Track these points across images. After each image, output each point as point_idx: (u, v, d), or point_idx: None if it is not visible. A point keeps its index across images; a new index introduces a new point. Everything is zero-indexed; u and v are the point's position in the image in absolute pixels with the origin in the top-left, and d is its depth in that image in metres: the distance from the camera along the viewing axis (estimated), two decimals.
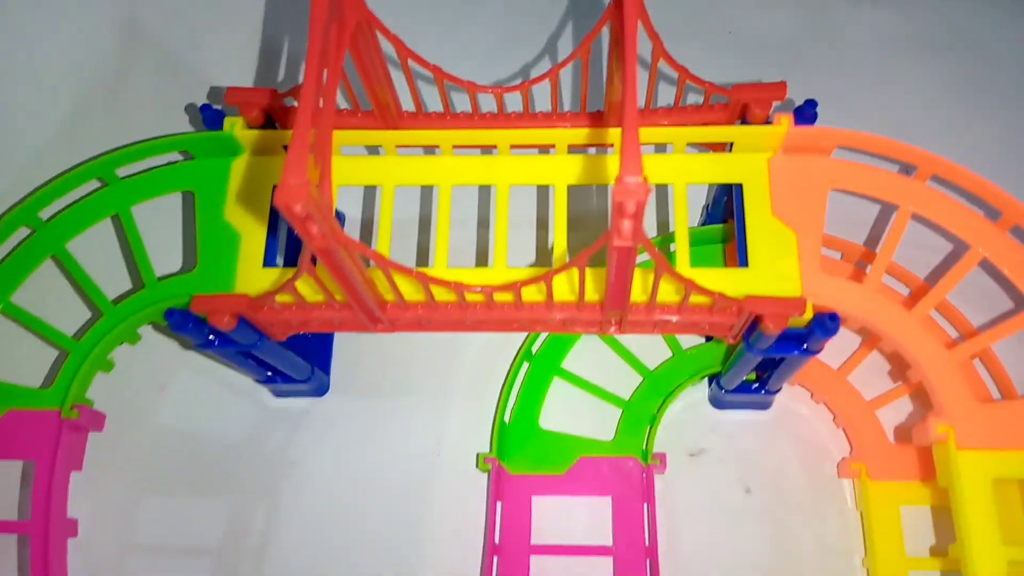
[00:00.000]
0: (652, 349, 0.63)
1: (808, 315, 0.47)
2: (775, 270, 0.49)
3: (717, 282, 0.48)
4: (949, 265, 0.52)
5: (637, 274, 0.47)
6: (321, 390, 0.66)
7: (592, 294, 0.48)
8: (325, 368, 0.66)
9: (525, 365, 0.64)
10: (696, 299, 0.47)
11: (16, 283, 0.53)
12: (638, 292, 0.48)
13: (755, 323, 0.47)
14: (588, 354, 0.64)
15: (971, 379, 0.48)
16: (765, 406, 0.63)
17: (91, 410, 0.51)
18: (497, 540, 0.58)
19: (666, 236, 0.62)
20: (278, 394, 0.65)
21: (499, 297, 0.47)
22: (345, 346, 0.67)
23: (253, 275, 0.51)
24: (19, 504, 0.58)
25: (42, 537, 0.48)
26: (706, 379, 0.64)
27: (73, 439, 0.50)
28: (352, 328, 0.51)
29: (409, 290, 0.49)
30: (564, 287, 0.48)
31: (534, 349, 0.64)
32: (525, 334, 0.64)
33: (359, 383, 0.66)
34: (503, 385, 0.63)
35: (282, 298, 0.48)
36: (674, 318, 0.48)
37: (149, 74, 0.71)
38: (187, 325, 0.49)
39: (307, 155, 0.36)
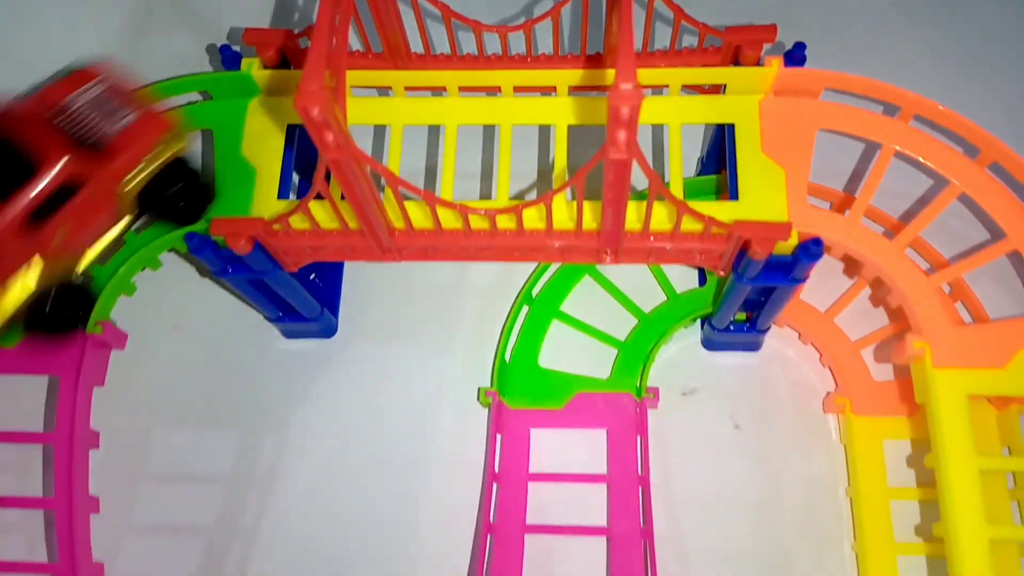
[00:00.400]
0: (647, 293, 0.66)
1: (793, 241, 0.49)
2: (763, 202, 0.51)
3: (708, 213, 0.51)
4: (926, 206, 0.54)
5: (632, 206, 0.50)
6: (329, 332, 0.68)
7: (590, 223, 0.50)
8: (333, 310, 0.69)
9: (525, 308, 0.67)
10: (688, 226, 0.49)
11: None
12: (632, 221, 0.50)
13: (743, 253, 0.50)
14: (586, 298, 0.67)
15: (946, 306, 0.50)
16: (755, 347, 0.65)
17: (114, 327, 0.54)
18: (497, 469, 0.61)
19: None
20: (288, 334, 0.68)
21: (501, 223, 0.50)
22: (352, 291, 0.70)
23: (268, 205, 0.54)
24: (44, 421, 0.61)
25: (67, 447, 0.51)
26: (699, 322, 0.67)
27: (96, 355, 0.52)
28: (362, 256, 0.54)
29: (417, 217, 0.51)
30: (563, 215, 0.51)
31: (534, 293, 0.67)
32: (525, 278, 0.67)
33: (366, 326, 0.69)
34: (503, 327, 0.65)
35: (296, 223, 0.51)
36: (667, 245, 0.50)
37: (172, 18, 0.75)
38: (205, 249, 0.52)
39: (324, 65, 0.39)
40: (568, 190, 0.47)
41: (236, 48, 0.57)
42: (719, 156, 0.63)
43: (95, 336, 0.52)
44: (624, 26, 0.38)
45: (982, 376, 0.48)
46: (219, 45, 0.57)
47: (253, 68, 0.56)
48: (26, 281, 0.48)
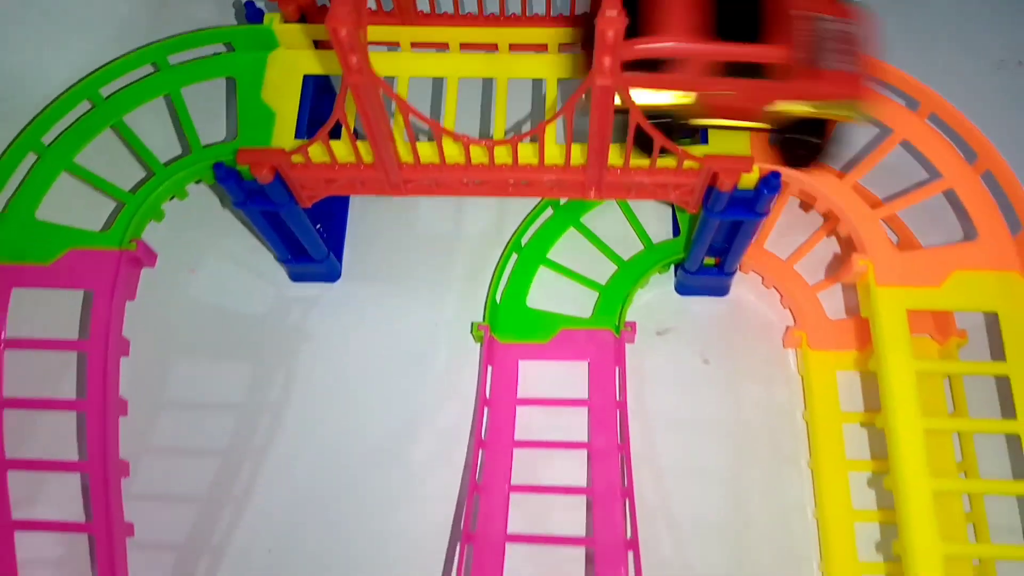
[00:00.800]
0: (626, 244, 0.72)
1: (755, 177, 0.56)
2: (730, 145, 0.58)
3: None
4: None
5: (614, 148, 0.56)
6: (333, 276, 0.74)
7: (578, 158, 0.57)
8: (338, 255, 0.74)
9: (514, 256, 0.73)
10: (663, 163, 0.56)
11: (79, 147, 0.62)
12: (615, 157, 0.57)
13: (712, 190, 0.57)
14: (570, 247, 0.73)
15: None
16: (723, 291, 0.72)
17: (146, 246, 0.59)
18: (488, 395, 0.67)
19: None
20: (294, 276, 0.74)
21: (499, 157, 0.56)
22: (355, 239, 0.75)
23: (286, 143, 0.60)
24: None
25: (101, 354, 0.56)
26: (672, 270, 0.73)
27: (129, 270, 0.57)
28: (372, 190, 0.60)
29: (423, 153, 0.58)
30: (554, 153, 0.57)
31: (523, 241, 0.73)
32: (514, 228, 0.73)
33: (367, 271, 0.74)
34: (494, 271, 0.71)
35: (315, 155, 0.57)
36: (645, 180, 0.57)
37: None
38: (230, 180, 0.57)
39: None
40: (559, 132, 0.54)
41: (260, 4, 0.63)
42: None
43: (128, 252, 0.57)
44: None
45: (919, 293, 0.54)
46: (244, 1, 0.64)
47: (274, 23, 0.62)
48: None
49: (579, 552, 0.63)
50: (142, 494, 0.64)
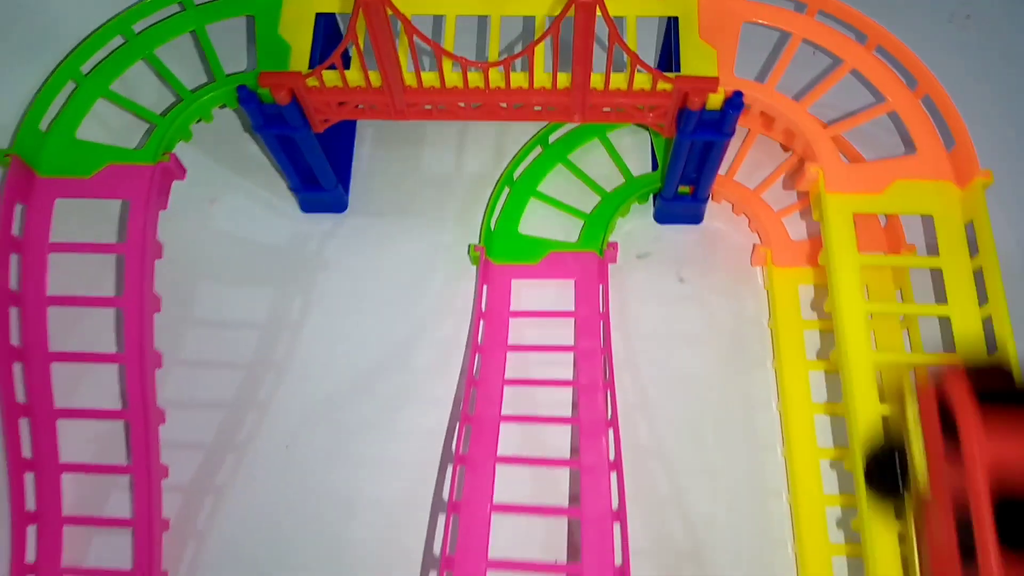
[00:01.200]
0: (609, 179, 0.79)
1: (721, 96, 0.63)
2: (699, 72, 0.65)
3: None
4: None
5: (595, 77, 0.63)
6: (341, 206, 0.81)
7: (564, 83, 0.64)
8: (345, 187, 0.81)
9: (507, 189, 0.80)
10: (640, 84, 0.63)
11: (114, 76, 0.68)
12: (597, 81, 0.64)
13: (683, 112, 0.64)
14: (558, 181, 0.80)
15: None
16: (698, 218, 0.79)
17: (177, 159, 0.66)
18: (484, 308, 0.73)
19: None
20: (305, 207, 0.80)
21: (493, 80, 0.63)
22: (361, 175, 0.82)
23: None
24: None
25: (138, 256, 0.62)
26: (652, 201, 0.80)
27: (163, 181, 0.64)
28: (380, 115, 0.67)
29: (427, 78, 0.64)
30: (543, 78, 0.64)
31: (515, 175, 0.80)
32: (503, 168, 0.80)
33: (373, 203, 0.81)
34: (488, 203, 0.78)
35: (328, 80, 0.64)
36: (624, 101, 0.64)
37: None
38: (252, 101, 0.64)
39: None
40: (548, 61, 0.60)
41: None
42: (668, 57, 0.77)
43: (162, 164, 0.64)
44: None
45: (864, 199, 0.61)
46: None
47: None
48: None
49: (564, 429, 0.70)
50: (173, 399, 0.70)
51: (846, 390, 0.58)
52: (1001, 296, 0.59)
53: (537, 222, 0.78)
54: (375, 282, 0.78)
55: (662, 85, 0.63)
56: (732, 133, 0.65)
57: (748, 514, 0.68)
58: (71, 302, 0.65)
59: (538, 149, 0.81)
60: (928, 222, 0.68)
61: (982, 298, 0.60)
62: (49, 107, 0.67)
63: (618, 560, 0.60)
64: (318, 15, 0.69)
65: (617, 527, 0.61)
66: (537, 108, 0.66)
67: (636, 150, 0.81)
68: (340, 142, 0.81)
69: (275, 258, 0.78)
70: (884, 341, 0.68)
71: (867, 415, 0.56)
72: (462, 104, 0.66)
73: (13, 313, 0.64)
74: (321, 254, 0.79)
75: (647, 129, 0.81)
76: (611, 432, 0.65)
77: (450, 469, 0.69)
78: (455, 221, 0.80)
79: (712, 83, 0.62)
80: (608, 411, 0.66)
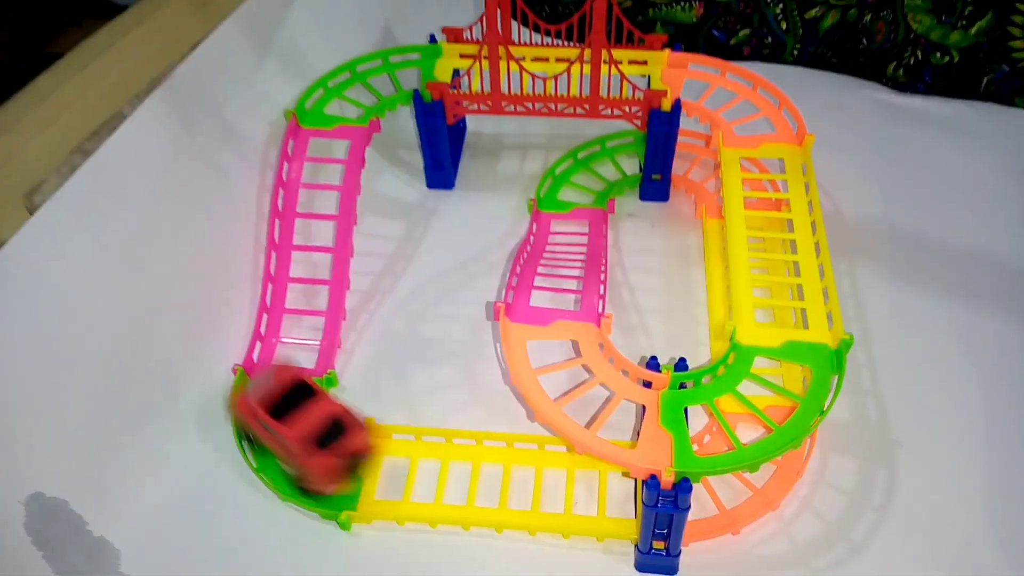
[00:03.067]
0: (612, 176, 1.33)
1: (670, 102, 1.18)
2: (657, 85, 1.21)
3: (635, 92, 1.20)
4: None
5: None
6: (450, 185, 1.35)
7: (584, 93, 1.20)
8: (454, 171, 1.36)
9: (550, 180, 1.33)
10: (626, 93, 1.19)
11: (344, 89, 1.26)
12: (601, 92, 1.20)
13: (652, 114, 1.19)
14: (580, 178, 1.34)
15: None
16: (666, 196, 1.31)
17: (377, 122, 1.21)
18: (534, 231, 1.24)
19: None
20: (429, 183, 1.35)
21: (548, 89, 1.20)
22: (463, 170, 1.37)
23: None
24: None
25: (349, 194, 1.16)
26: (638, 187, 1.33)
27: (369, 133, 1.19)
28: (487, 110, 1.23)
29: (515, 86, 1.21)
30: (575, 90, 1.20)
31: (557, 171, 1.34)
32: (547, 162, 1.34)
33: (469, 184, 1.35)
34: (539, 183, 1.32)
35: (460, 88, 1.21)
36: (619, 108, 1.19)
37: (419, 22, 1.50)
38: (419, 100, 1.21)
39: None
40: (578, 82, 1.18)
41: (437, 35, 1.30)
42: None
43: (372, 124, 1.19)
44: None
45: (746, 151, 1.14)
46: (430, 34, 1.31)
47: (442, 43, 1.29)
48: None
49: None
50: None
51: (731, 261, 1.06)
52: (817, 202, 1.09)
53: (568, 195, 1.31)
54: (467, 226, 1.30)
55: (638, 95, 1.19)
56: (678, 126, 1.20)
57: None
58: (309, 216, 1.18)
59: (569, 161, 1.36)
60: (782, 164, 1.18)
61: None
62: (308, 101, 1.24)
63: None
64: (455, 69, 1.28)
65: None
66: (569, 110, 1.21)
67: (629, 163, 1.36)
68: (455, 144, 1.37)
69: (408, 209, 1.32)
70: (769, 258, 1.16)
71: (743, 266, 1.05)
72: (530, 105, 1.22)
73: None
74: (436, 210, 1.32)
75: (636, 147, 1.36)
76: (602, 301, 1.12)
77: None
78: (519, 197, 1.34)
79: (663, 93, 1.17)
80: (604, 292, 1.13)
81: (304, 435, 0.87)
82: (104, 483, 0.93)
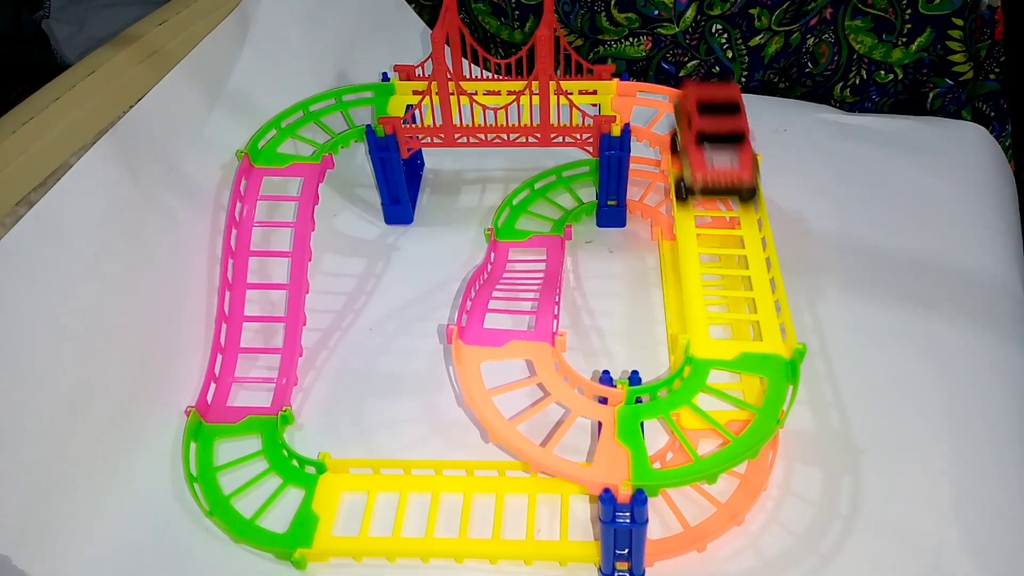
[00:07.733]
0: (569, 206, 1.34)
1: (619, 127, 1.19)
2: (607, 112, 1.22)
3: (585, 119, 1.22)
4: None
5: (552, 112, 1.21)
6: (409, 219, 1.35)
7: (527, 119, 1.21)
8: (412, 207, 1.36)
9: (507, 210, 1.34)
10: (576, 121, 1.20)
11: (297, 129, 1.27)
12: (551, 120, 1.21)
13: (603, 139, 1.20)
14: (538, 208, 1.35)
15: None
16: (623, 222, 1.31)
17: (330, 159, 1.21)
18: (490, 267, 1.24)
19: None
20: (388, 219, 1.35)
21: (500, 120, 1.21)
22: (420, 206, 1.38)
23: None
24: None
25: (307, 214, 1.16)
26: (595, 214, 1.33)
27: (321, 171, 1.19)
28: (439, 144, 1.23)
29: (466, 117, 1.22)
30: (526, 120, 1.22)
31: (514, 202, 1.35)
32: (505, 194, 1.35)
33: (426, 219, 1.36)
34: (495, 215, 1.32)
35: (408, 126, 1.22)
36: (569, 135, 1.21)
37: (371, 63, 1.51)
38: (372, 135, 1.22)
39: (444, 39, 1.12)
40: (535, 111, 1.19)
41: (391, 74, 1.32)
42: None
43: (324, 161, 1.19)
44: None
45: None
46: (382, 72, 1.32)
47: (395, 81, 1.30)
48: None
49: None
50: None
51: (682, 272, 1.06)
52: (766, 219, 1.09)
53: (527, 224, 1.31)
54: (426, 260, 1.29)
55: (588, 122, 1.20)
56: (629, 150, 1.21)
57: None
58: (262, 255, 1.17)
59: (527, 191, 1.37)
60: None
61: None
62: (261, 141, 1.24)
63: None
64: (408, 104, 1.30)
65: None
66: (521, 140, 1.22)
67: (587, 192, 1.37)
68: (412, 179, 1.38)
69: (365, 246, 1.32)
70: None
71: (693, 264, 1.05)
72: (482, 136, 1.23)
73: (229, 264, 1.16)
74: (395, 245, 1.32)
75: (592, 176, 1.37)
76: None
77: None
78: (476, 229, 1.34)
79: (612, 119, 1.19)
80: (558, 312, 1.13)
81: (704, 130, 1.03)
82: (51, 530, 0.90)
